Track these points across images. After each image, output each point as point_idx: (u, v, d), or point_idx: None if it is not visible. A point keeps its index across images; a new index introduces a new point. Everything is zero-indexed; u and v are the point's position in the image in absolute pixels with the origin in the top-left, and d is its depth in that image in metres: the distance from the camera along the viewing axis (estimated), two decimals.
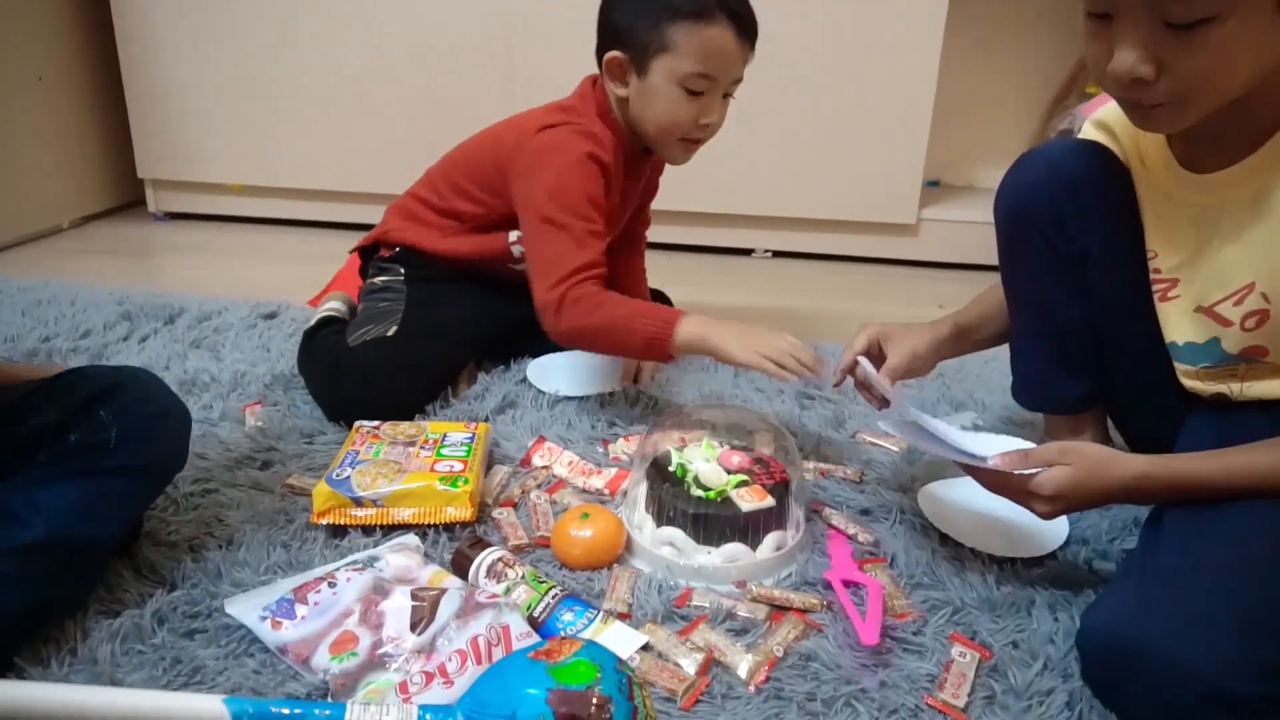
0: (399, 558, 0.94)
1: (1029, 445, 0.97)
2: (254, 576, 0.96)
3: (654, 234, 1.77)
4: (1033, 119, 2.50)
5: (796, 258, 2.35)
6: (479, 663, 0.79)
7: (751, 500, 1.01)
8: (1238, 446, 0.88)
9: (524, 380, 1.46)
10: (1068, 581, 1.00)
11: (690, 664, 0.86)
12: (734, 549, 1.00)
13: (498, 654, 0.80)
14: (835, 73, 2.16)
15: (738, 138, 2.22)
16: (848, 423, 1.38)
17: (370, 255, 1.54)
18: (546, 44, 2.16)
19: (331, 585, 0.89)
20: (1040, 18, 2.40)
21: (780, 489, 1.03)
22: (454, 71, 2.22)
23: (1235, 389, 0.97)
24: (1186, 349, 0.98)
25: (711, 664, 0.87)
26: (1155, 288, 1.00)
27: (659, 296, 1.66)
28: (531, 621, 0.88)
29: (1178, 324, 0.98)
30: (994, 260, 1.13)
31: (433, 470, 1.08)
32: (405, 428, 1.19)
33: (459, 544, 1.00)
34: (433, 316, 1.41)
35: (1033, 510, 0.92)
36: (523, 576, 0.93)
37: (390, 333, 1.37)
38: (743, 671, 0.85)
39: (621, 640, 0.87)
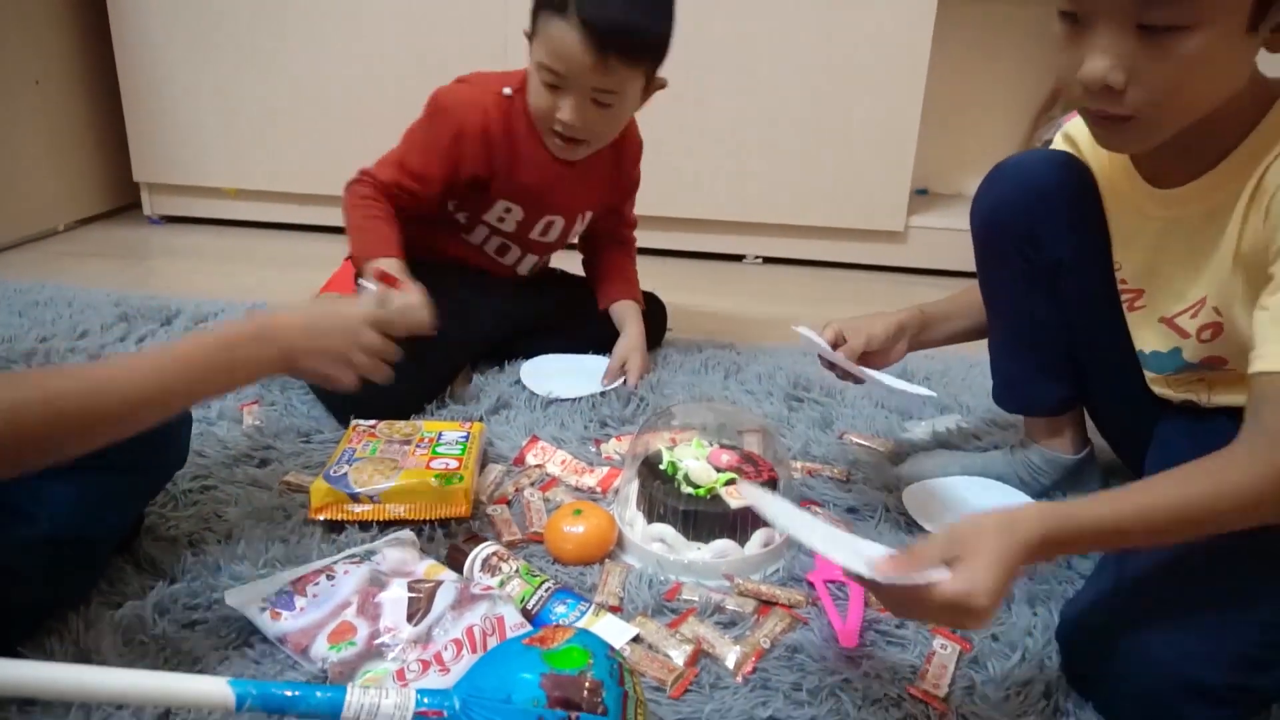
0: (396, 552, 0.96)
1: (885, 551, 0.79)
2: (253, 570, 0.98)
3: (647, 239, 1.80)
4: (1019, 128, 2.54)
5: (787, 264, 2.39)
6: (474, 651, 0.81)
7: (740, 498, 1.03)
8: (1143, 482, 0.81)
9: (518, 382, 1.48)
10: (1045, 577, 1.03)
11: (679, 655, 0.88)
12: (723, 545, 1.02)
13: (492, 643, 0.82)
14: (825, 82, 2.20)
15: (729, 146, 2.27)
16: (835, 424, 1.41)
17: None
18: None
19: (330, 578, 0.91)
20: (1027, 28, 2.45)
21: (768, 487, 1.05)
22: (450, 77, 2.24)
23: (1204, 398, 1.00)
24: (1153, 357, 1.01)
25: (700, 655, 0.89)
26: (1123, 297, 1.03)
27: (652, 300, 1.69)
28: (525, 614, 0.90)
29: (1144, 333, 1.01)
30: None
31: (428, 468, 1.10)
32: (401, 426, 1.22)
33: (454, 539, 1.02)
34: (438, 312, 1.43)
35: (965, 626, 0.80)
36: (517, 570, 0.95)
37: None
38: (730, 662, 0.88)
39: (613, 632, 0.89)
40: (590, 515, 1.05)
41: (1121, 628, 0.81)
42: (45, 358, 1.52)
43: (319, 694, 0.65)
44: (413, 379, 1.35)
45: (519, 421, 1.36)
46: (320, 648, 0.83)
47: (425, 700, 0.67)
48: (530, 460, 1.24)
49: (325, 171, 2.39)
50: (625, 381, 1.48)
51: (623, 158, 1.57)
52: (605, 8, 1.24)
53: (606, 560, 1.03)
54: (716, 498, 1.03)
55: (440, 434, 1.19)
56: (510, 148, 1.41)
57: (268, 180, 2.45)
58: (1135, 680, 0.79)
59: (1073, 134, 1.07)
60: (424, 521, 1.07)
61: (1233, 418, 0.95)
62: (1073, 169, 1.03)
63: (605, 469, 1.23)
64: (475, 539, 1.00)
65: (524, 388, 1.46)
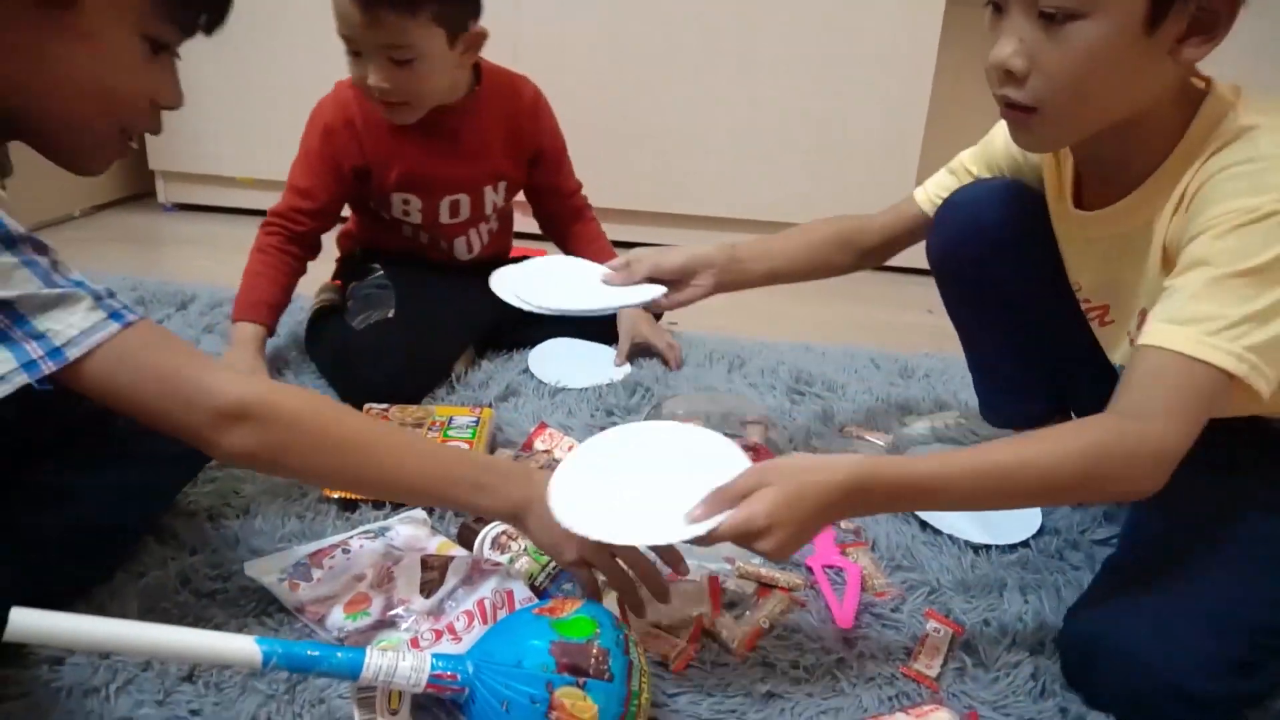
0: (408, 529, 0.99)
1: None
2: (270, 544, 1.01)
3: (652, 236, 1.82)
4: None
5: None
6: (485, 623, 0.84)
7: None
8: (983, 445, 0.84)
9: (526, 370, 1.51)
10: (1038, 567, 1.06)
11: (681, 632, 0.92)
12: None
13: (502, 615, 0.86)
14: (831, 86, 2.23)
15: (737, 148, 2.30)
16: (835, 418, 1.44)
17: (348, 271, 1.62)
18: (550, 42, 2.22)
19: (346, 551, 0.94)
20: None
21: None
22: None
23: None
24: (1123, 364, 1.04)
25: (702, 633, 0.92)
26: (1091, 315, 1.04)
27: None
28: (534, 590, 0.93)
29: (1119, 348, 1.02)
30: None
31: None
32: (413, 410, 1.25)
33: (464, 518, 1.05)
34: (426, 297, 1.48)
35: (759, 553, 0.77)
36: (524, 549, 0.98)
37: (390, 314, 1.43)
38: (731, 640, 0.91)
39: (618, 610, 0.92)
40: None
41: (1120, 638, 0.83)
42: None
43: (340, 655, 0.68)
44: (416, 363, 1.40)
45: (527, 409, 1.39)
46: (336, 617, 0.87)
47: (440, 664, 0.70)
48: (539, 446, 1.28)
49: None
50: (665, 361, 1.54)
51: (515, 117, 1.52)
52: None
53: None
54: None
55: (451, 418, 1.22)
56: (376, 132, 1.44)
57: (282, 170, 2.47)
58: (1133, 688, 0.82)
59: (1015, 154, 1.09)
60: None
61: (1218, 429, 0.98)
62: (1021, 199, 1.05)
63: None
64: (484, 519, 1.03)
65: (532, 376, 1.49)
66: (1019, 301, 0.82)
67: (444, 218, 1.53)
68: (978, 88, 0.94)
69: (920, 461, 0.85)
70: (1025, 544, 1.10)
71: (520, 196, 1.65)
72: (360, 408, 1.27)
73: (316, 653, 0.68)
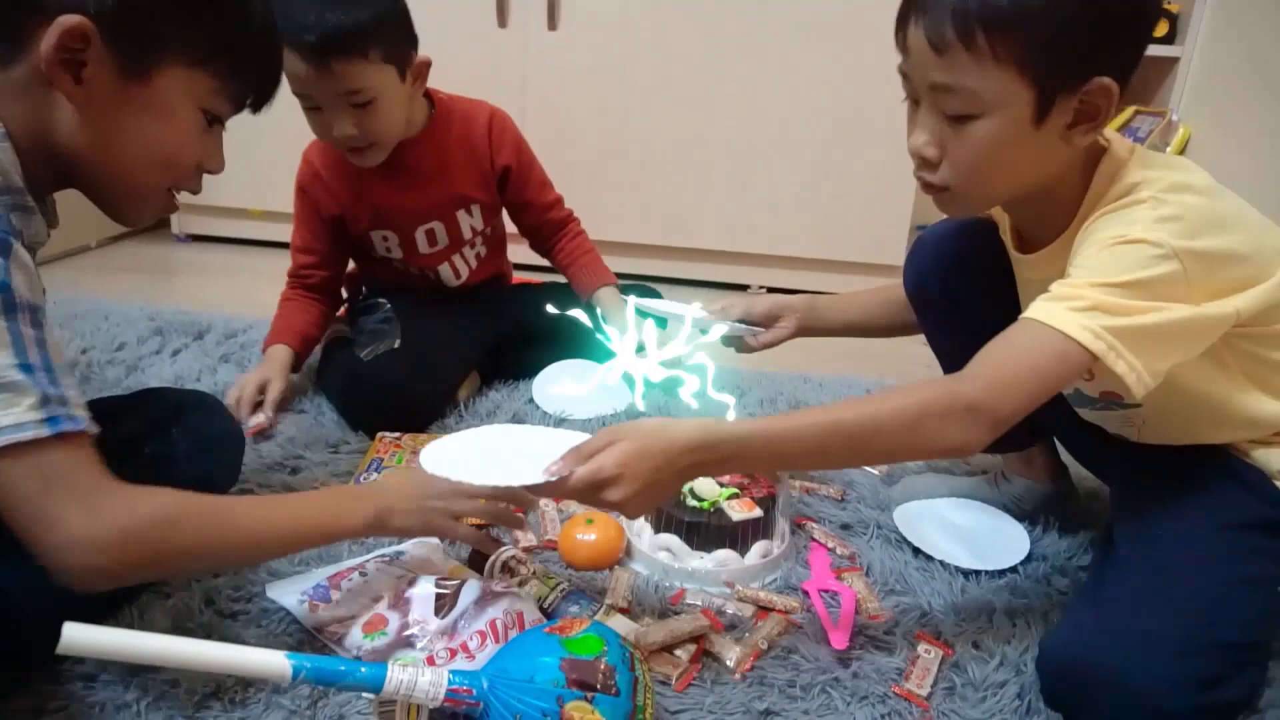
0: (422, 552, 1.04)
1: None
2: (289, 567, 1.05)
3: (653, 269, 1.85)
4: None
5: (790, 294, 2.46)
6: (497, 642, 0.89)
7: (741, 511, 1.11)
8: (814, 407, 0.93)
9: (531, 400, 1.56)
10: (1026, 592, 1.11)
11: (684, 653, 0.96)
12: (724, 554, 1.10)
13: (513, 635, 0.90)
14: (829, 119, 2.29)
15: (736, 180, 2.36)
16: None
17: (355, 307, 1.68)
18: (554, 77, 2.28)
19: (363, 574, 0.99)
20: None
21: (768, 502, 1.13)
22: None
23: (1133, 434, 1.08)
24: (1073, 396, 1.09)
25: (703, 654, 0.97)
26: None
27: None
28: (544, 612, 0.97)
29: None
30: None
31: None
32: (424, 438, 1.30)
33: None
34: (427, 328, 1.53)
35: (610, 505, 0.83)
36: (533, 573, 1.03)
37: (396, 345, 1.48)
38: (730, 660, 0.95)
39: (623, 631, 0.96)
40: (601, 525, 1.12)
41: (1095, 659, 0.88)
42: (86, 369, 1.61)
43: (363, 670, 0.72)
44: (420, 391, 1.45)
45: None
46: (355, 637, 0.91)
47: (456, 679, 0.75)
48: None
49: None
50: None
51: (473, 140, 1.55)
52: (299, 22, 1.26)
53: (616, 567, 1.11)
54: (719, 511, 1.11)
55: None
56: (341, 178, 1.51)
57: (289, 202, 2.53)
58: (1108, 708, 0.86)
59: None
60: None
61: (1198, 454, 1.03)
62: (983, 235, 1.12)
63: None
64: (495, 542, 1.08)
65: (537, 406, 1.54)
66: (988, 329, 0.89)
67: (422, 248, 1.58)
68: None
69: (767, 420, 0.94)
70: (1014, 569, 1.15)
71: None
72: (373, 436, 1.32)
73: (342, 667, 0.72)
